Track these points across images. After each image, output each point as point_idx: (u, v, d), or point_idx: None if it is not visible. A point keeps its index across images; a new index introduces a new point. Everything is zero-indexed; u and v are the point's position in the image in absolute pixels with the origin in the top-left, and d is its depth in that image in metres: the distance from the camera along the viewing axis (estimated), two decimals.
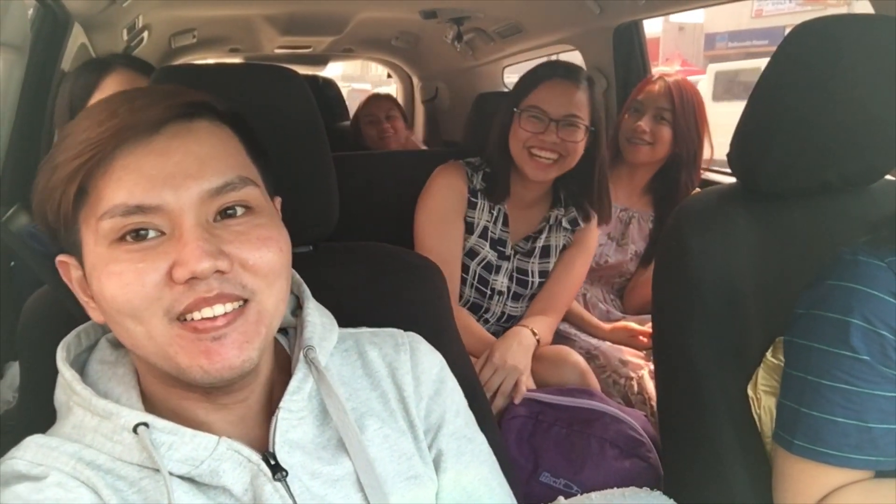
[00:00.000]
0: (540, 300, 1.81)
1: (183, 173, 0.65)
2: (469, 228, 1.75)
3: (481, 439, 0.87)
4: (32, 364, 0.91)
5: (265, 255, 0.67)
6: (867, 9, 1.45)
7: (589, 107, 1.68)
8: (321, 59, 4.58)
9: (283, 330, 0.84)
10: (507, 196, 1.75)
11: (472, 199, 1.75)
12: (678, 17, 20.28)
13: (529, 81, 1.71)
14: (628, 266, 2.11)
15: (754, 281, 1.10)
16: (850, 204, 1.16)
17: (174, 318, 0.64)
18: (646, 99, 2.01)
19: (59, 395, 0.72)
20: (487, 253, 1.75)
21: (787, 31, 1.17)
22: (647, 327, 1.89)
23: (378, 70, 6.99)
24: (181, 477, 0.67)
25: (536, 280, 1.80)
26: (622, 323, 1.98)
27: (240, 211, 0.68)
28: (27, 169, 1.83)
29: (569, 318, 1.98)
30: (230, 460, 0.68)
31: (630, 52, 2.63)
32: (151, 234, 0.65)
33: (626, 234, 2.09)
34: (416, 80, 4.47)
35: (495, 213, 1.76)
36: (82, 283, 0.71)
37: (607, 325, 1.99)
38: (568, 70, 1.72)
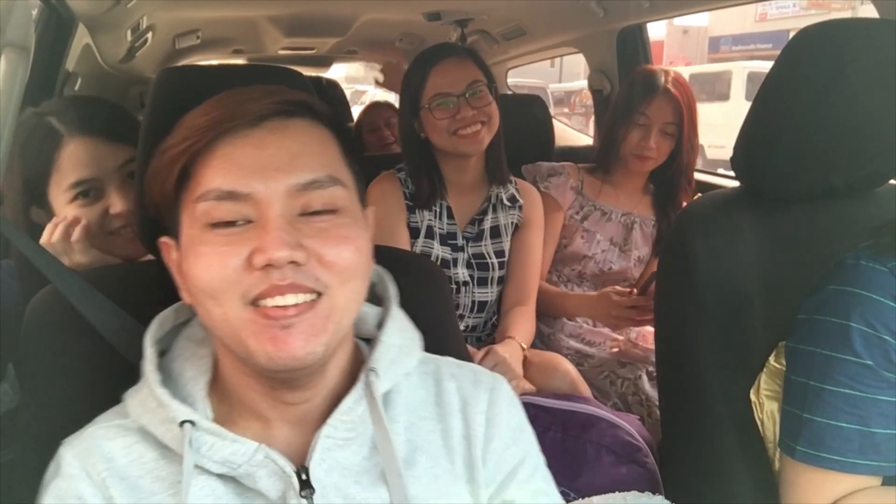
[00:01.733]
0: (512, 292, 1.82)
1: (274, 166, 0.69)
2: (414, 234, 1.75)
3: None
4: (35, 363, 0.91)
5: (342, 252, 0.69)
6: (872, 13, 1.45)
7: (480, 68, 1.72)
8: (325, 61, 4.57)
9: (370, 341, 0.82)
10: (438, 197, 1.76)
11: (410, 203, 1.75)
12: (682, 21, 20.27)
13: (417, 78, 1.72)
14: (632, 272, 2.09)
15: (758, 285, 1.10)
16: (854, 208, 1.16)
17: (248, 303, 0.67)
18: (654, 114, 1.95)
19: (144, 365, 0.75)
20: (438, 251, 1.75)
21: (791, 34, 1.16)
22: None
23: None
24: (222, 476, 0.70)
25: (495, 260, 1.80)
26: (609, 288, 1.91)
27: (325, 212, 0.71)
28: None
29: (553, 301, 1.96)
30: (266, 468, 0.69)
31: (634, 56, 2.63)
32: (240, 222, 0.68)
33: (629, 239, 2.08)
34: None
35: (438, 209, 1.76)
36: (179, 266, 0.74)
37: (593, 294, 1.95)
38: (444, 49, 1.77)
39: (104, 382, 0.82)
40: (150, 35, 2.68)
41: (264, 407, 0.73)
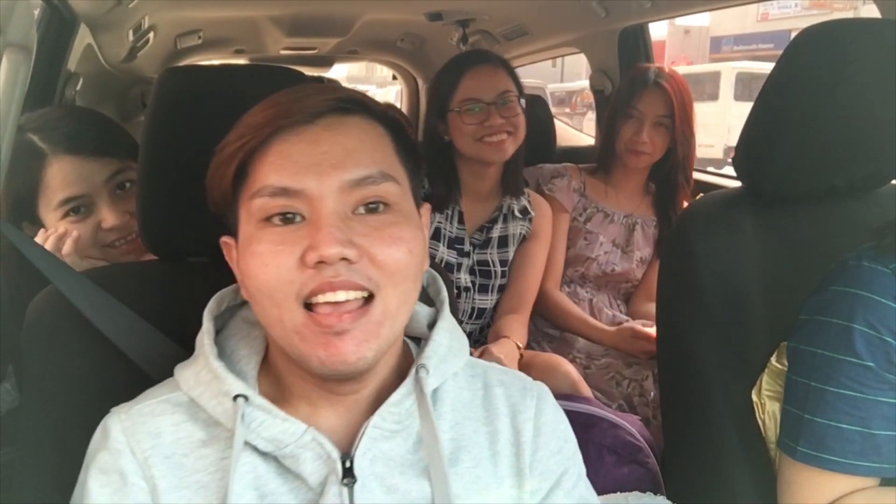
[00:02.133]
0: (508, 299, 1.83)
1: (328, 162, 0.69)
2: None
3: None
4: (36, 364, 0.91)
5: (394, 252, 0.69)
6: (874, 13, 1.45)
7: (512, 79, 1.75)
8: (326, 61, 4.57)
9: (419, 339, 0.84)
10: (451, 201, 1.76)
11: None
12: (684, 21, 20.25)
13: (449, 80, 1.74)
14: (635, 273, 2.09)
15: (759, 285, 1.10)
16: (856, 209, 1.16)
17: (303, 304, 0.68)
18: (645, 108, 1.96)
19: (198, 339, 0.77)
20: (444, 254, 1.75)
21: (793, 34, 1.16)
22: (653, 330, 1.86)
23: (383, 71, 7.00)
24: (266, 454, 0.71)
25: (499, 269, 1.81)
26: (629, 324, 1.93)
27: (380, 208, 0.71)
28: None
29: (571, 323, 1.96)
30: (312, 451, 0.70)
31: (635, 56, 2.62)
32: (297, 219, 0.69)
33: (630, 240, 2.07)
34: (420, 82, 4.46)
35: (449, 212, 1.77)
36: (238, 264, 0.75)
37: (612, 328, 1.96)
38: (480, 55, 1.80)
39: (106, 382, 0.82)
40: (151, 35, 2.68)
41: (313, 396, 0.74)
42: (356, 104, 0.74)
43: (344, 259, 0.66)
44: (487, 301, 1.81)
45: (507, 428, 0.79)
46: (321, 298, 0.67)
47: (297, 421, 0.70)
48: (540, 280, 1.88)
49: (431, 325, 0.82)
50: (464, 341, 0.83)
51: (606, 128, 2.08)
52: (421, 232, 0.75)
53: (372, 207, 0.71)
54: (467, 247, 1.79)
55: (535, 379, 1.56)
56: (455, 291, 1.77)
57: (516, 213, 1.81)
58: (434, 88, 1.79)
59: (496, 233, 1.81)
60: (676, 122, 1.95)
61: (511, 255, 1.82)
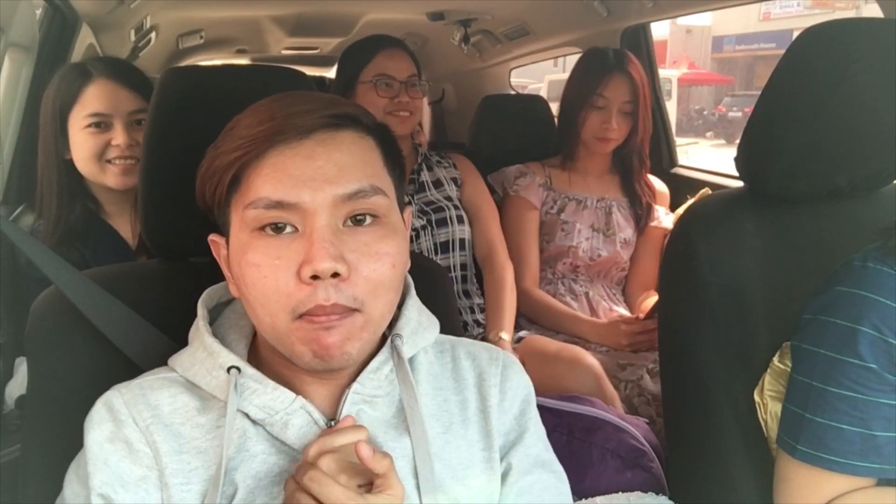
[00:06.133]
0: (480, 246, 1.95)
1: (322, 177, 0.73)
2: None
3: (559, 473, 0.88)
4: (40, 362, 0.91)
5: (378, 268, 0.74)
6: (876, 12, 1.45)
7: (417, 66, 1.92)
8: (328, 61, 4.57)
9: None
10: None
11: None
12: (686, 20, 20.24)
13: (363, 55, 1.88)
14: (621, 255, 2.09)
15: (762, 285, 1.10)
16: (859, 209, 1.16)
17: (296, 317, 0.72)
18: (612, 94, 1.97)
19: (192, 329, 0.83)
20: None
21: (795, 34, 1.16)
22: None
23: None
24: (256, 423, 0.77)
25: (447, 203, 1.92)
26: (617, 319, 1.90)
27: (368, 220, 0.75)
28: (34, 170, 1.83)
29: (559, 321, 1.96)
30: (300, 418, 0.76)
31: (637, 55, 2.62)
32: (288, 229, 0.73)
33: (610, 223, 2.07)
34: None
35: None
36: (227, 261, 0.80)
37: (602, 322, 1.94)
38: (392, 39, 1.94)
39: (108, 382, 0.82)
40: (153, 35, 2.69)
41: (297, 382, 0.79)
42: (348, 119, 0.78)
43: (335, 274, 0.70)
44: (448, 233, 1.89)
45: (474, 396, 0.85)
46: (314, 320, 0.72)
47: (286, 390, 0.76)
48: (495, 216, 1.99)
49: (400, 305, 0.87)
50: (433, 320, 0.90)
51: (567, 114, 2.07)
52: (405, 240, 0.80)
53: (359, 219, 0.75)
54: (405, 198, 1.82)
55: (559, 372, 1.61)
56: (412, 234, 1.82)
57: (436, 159, 1.99)
58: (345, 63, 1.93)
59: (426, 177, 1.95)
60: (640, 108, 1.97)
61: (452, 193, 1.95)
